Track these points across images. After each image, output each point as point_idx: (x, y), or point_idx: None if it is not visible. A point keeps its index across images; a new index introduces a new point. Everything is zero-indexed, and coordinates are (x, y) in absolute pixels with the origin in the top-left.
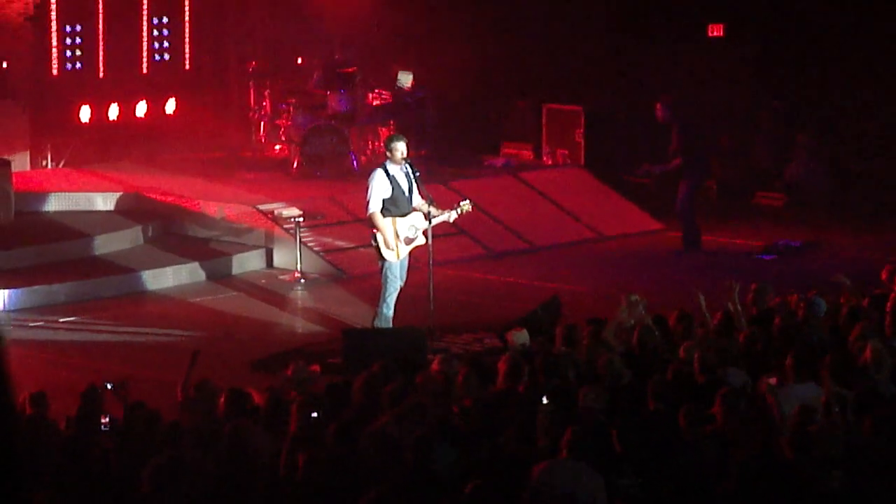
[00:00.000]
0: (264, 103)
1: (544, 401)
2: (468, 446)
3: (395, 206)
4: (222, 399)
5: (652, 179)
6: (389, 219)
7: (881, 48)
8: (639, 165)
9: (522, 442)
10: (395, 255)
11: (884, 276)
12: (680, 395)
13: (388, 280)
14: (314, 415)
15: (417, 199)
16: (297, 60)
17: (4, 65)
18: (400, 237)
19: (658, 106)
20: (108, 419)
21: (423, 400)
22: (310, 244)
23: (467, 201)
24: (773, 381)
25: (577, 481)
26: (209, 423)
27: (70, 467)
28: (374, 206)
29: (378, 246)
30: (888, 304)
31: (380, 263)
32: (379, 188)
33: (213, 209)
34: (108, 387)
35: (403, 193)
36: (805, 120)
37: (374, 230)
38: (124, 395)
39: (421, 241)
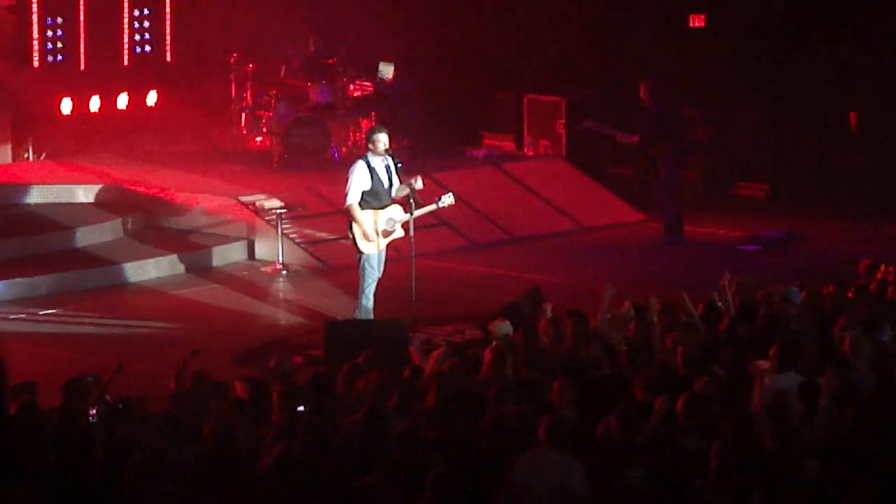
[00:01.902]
0: (245, 95)
1: None
2: (446, 437)
3: (375, 198)
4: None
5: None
6: (369, 211)
7: (864, 39)
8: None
9: (499, 432)
10: (373, 248)
11: (861, 269)
12: (665, 387)
13: (367, 272)
14: (300, 408)
15: (398, 192)
16: (284, 52)
17: None
18: (378, 230)
19: (641, 87)
20: (95, 411)
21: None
22: (291, 236)
23: (450, 195)
24: (765, 364)
25: (561, 472)
26: (199, 416)
27: (53, 460)
28: (353, 198)
29: (354, 237)
30: (867, 295)
31: (357, 256)
32: (359, 180)
33: (195, 201)
34: (90, 378)
35: (383, 185)
36: (787, 111)
37: (352, 221)
38: (103, 387)
39: (399, 233)
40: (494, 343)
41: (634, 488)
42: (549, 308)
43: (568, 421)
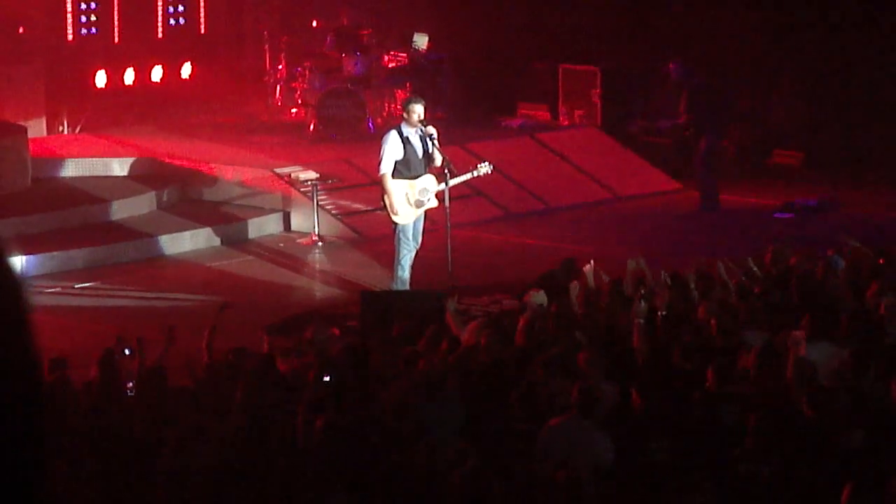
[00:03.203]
0: (280, 67)
1: None
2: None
3: (408, 168)
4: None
5: (660, 134)
6: (399, 181)
7: None
8: (643, 123)
9: (532, 402)
10: (404, 218)
11: None
12: (700, 356)
13: (402, 242)
14: (326, 378)
15: (437, 161)
16: (311, 23)
17: (21, 30)
18: (410, 200)
19: (671, 67)
20: (132, 384)
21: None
22: (327, 207)
23: (486, 164)
24: (799, 334)
25: (579, 441)
26: (234, 388)
27: (91, 434)
28: (385, 168)
29: (385, 208)
30: None
31: (393, 226)
32: (391, 150)
33: (230, 173)
34: (126, 352)
35: (417, 156)
36: (822, 79)
37: (384, 192)
38: (140, 354)
39: (433, 203)
40: (528, 312)
41: (657, 460)
42: (589, 275)
43: (599, 390)
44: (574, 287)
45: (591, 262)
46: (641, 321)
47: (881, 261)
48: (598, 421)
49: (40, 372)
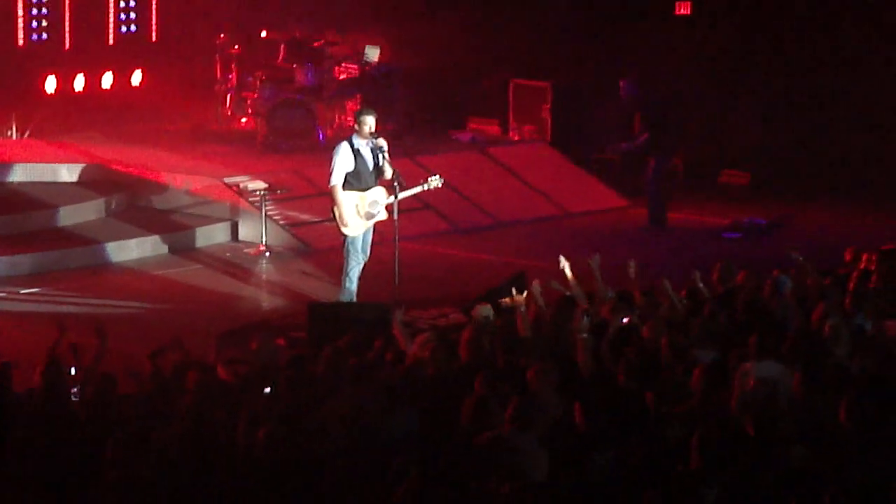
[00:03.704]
0: (231, 76)
1: None
2: (429, 421)
3: (358, 180)
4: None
5: (620, 157)
6: (350, 193)
7: (853, 27)
8: (607, 144)
9: (480, 416)
10: (354, 230)
11: (848, 256)
12: (646, 374)
13: (350, 254)
14: (267, 390)
15: (387, 173)
16: (260, 34)
17: None
18: (360, 212)
19: (621, 84)
20: (76, 389)
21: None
22: (275, 217)
23: (437, 177)
24: (747, 365)
25: (513, 455)
26: (179, 397)
27: (37, 440)
28: (336, 180)
29: (335, 219)
30: (850, 283)
31: (341, 237)
32: (342, 162)
33: (179, 182)
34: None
35: (367, 168)
36: (775, 99)
37: (334, 204)
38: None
39: (382, 216)
40: (471, 326)
41: (600, 472)
42: (537, 291)
43: (543, 404)
44: (520, 302)
45: (536, 281)
46: (585, 336)
47: (827, 281)
48: (539, 435)
49: None
